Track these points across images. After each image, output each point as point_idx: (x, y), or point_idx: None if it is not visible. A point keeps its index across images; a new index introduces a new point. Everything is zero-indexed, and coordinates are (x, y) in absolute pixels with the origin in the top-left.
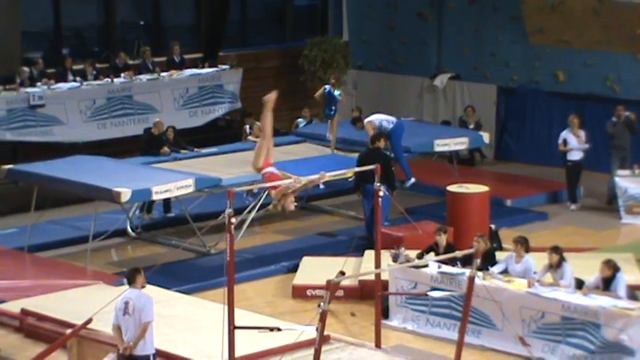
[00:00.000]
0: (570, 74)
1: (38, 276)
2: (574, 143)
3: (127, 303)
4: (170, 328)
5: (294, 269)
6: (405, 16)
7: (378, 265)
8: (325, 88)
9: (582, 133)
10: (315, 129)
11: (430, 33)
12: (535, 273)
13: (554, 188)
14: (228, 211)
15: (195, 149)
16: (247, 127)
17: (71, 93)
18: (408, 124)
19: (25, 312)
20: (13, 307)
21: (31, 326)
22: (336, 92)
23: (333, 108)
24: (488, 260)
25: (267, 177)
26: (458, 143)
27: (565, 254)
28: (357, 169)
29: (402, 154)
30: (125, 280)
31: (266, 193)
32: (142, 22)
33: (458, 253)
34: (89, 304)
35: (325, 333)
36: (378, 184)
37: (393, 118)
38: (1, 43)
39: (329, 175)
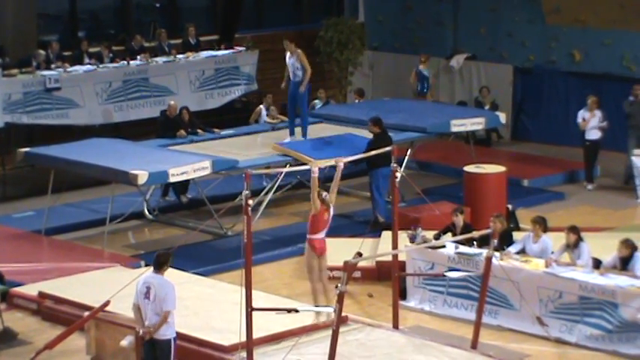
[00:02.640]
0: (587, 54)
1: (55, 259)
2: (593, 121)
3: (148, 288)
4: (187, 311)
5: None
6: None
7: (395, 246)
8: (416, 69)
9: (599, 114)
10: (332, 110)
11: (446, 13)
12: (552, 253)
13: (571, 168)
14: (246, 192)
15: (216, 130)
16: (262, 107)
17: (87, 76)
18: (425, 105)
19: (42, 295)
20: (31, 290)
21: (48, 309)
22: (425, 71)
23: (426, 85)
24: (506, 240)
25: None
26: (474, 123)
27: (582, 234)
28: (370, 153)
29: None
30: (143, 262)
31: (283, 174)
32: (157, 5)
33: (475, 234)
34: (106, 286)
35: (343, 314)
36: (395, 165)
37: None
38: (16, 26)
39: (345, 161)
